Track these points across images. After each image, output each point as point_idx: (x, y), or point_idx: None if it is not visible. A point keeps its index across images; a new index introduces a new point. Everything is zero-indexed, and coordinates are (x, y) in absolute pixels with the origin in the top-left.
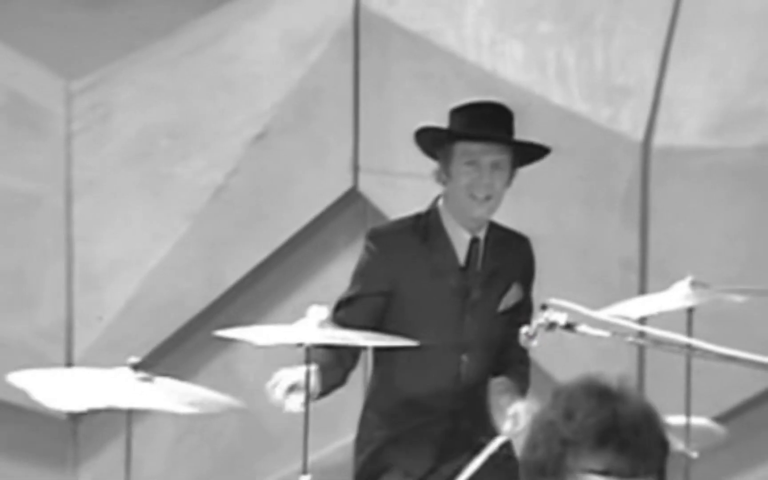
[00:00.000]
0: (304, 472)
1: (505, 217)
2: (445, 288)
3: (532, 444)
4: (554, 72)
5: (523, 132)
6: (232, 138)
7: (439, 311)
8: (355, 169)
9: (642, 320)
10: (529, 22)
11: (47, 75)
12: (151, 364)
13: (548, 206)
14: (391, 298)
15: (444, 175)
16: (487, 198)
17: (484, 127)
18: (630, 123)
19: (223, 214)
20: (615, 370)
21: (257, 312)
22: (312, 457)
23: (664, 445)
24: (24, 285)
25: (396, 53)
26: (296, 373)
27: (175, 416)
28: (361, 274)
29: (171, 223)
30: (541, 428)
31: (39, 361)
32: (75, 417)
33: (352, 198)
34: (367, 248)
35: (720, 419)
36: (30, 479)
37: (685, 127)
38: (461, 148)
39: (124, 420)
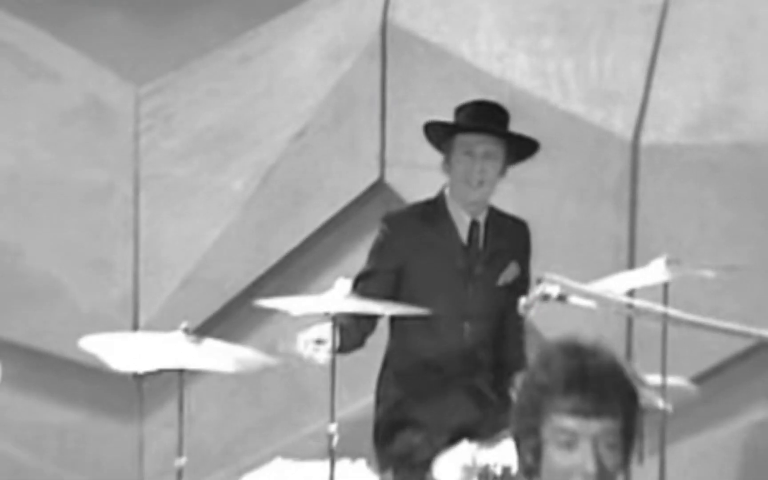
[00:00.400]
0: (332, 420)
1: (511, 204)
2: (450, 264)
3: (518, 392)
4: (555, 79)
5: (526, 131)
6: (276, 136)
7: (444, 285)
8: (382, 162)
9: (629, 293)
10: (533, 37)
11: (119, 81)
12: (205, 331)
13: (549, 196)
14: (402, 273)
15: (447, 165)
16: (480, 183)
17: (479, 121)
18: (621, 124)
19: (267, 202)
20: (605, 336)
21: (294, 287)
22: (340, 413)
23: (628, 392)
24: (97, 263)
25: (418, 62)
26: (322, 330)
27: (225, 377)
28: (375, 252)
29: (223, 209)
30: (524, 378)
31: (110, 329)
32: (139, 376)
33: (379, 188)
34: (381, 230)
35: (695, 380)
36: (102, 431)
37: (668, 127)
38: (460, 140)
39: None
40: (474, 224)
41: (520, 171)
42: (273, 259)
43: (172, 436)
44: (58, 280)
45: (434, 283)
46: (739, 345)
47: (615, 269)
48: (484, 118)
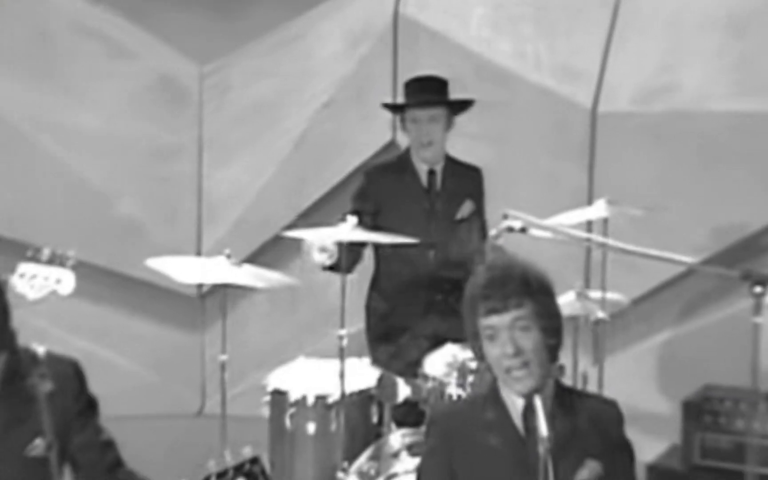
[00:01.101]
0: (342, 327)
1: (494, 159)
2: (415, 205)
3: (463, 302)
4: (531, 60)
5: (510, 101)
6: (308, 105)
7: (412, 221)
8: (394, 127)
9: (582, 227)
10: (514, 26)
11: (186, 61)
12: (252, 260)
13: (524, 152)
14: (378, 213)
15: (404, 131)
16: (429, 143)
17: (419, 96)
18: (582, 96)
19: (300, 158)
20: (569, 266)
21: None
22: (353, 325)
23: (534, 288)
24: (169, 207)
25: (423, 46)
26: (324, 241)
27: (267, 297)
28: (358, 198)
29: (266, 164)
30: (465, 291)
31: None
32: (202, 295)
33: (391, 147)
34: (362, 180)
35: (635, 301)
36: (170, 339)
37: (619, 99)
38: (408, 112)
39: (236, 295)
40: (431, 173)
41: (501, 132)
42: (305, 204)
43: (232, 345)
44: (137, 219)
45: (404, 221)
46: (668, 273)
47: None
48: (425, 92)
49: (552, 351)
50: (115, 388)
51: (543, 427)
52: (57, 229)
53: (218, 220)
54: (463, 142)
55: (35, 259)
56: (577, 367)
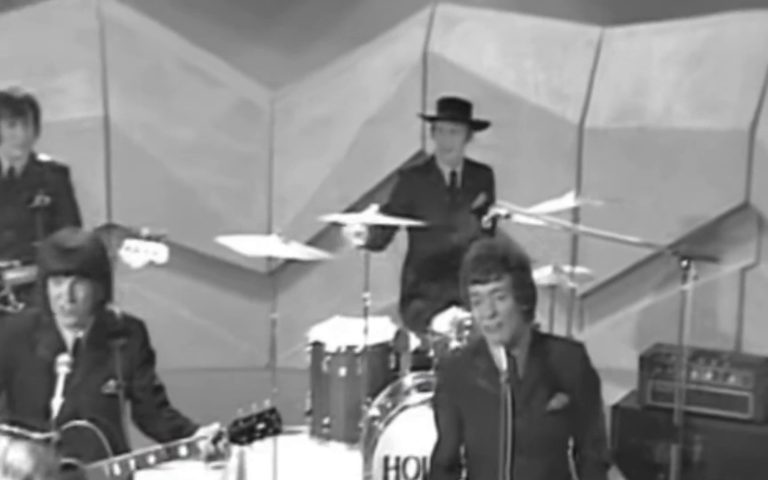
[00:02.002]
0: (366, 290)
1: (500, 164)
2: (440, 199)
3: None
4: (531, 86)
5: (514, 119)
6: (356, 122)
7: (438, 211)
8: (423, 137)
9: (560, 214)
10: (518, 61)
11: (261, 88)
12: (312, 243)
13: (525, 158)
14: (410, 205)
15: (433, 139)
16: (450, 150)
17: (444, 113)
18: (572, 114)
19: (349, 163)
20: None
21: None
22: (391, 297)
23: (513, 264)
24: (246, 201)
25: (445, 76)
26: (360, 226)
27: (319, 273)
28: (394, 194)
29: (323, 168)
30: (461, 270)
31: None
32: (271, 271)
33: (420, 155)
34: (398, 179)
35: (614, 278)
36: (244, 307)
37: (600, 117)
38: (437, 124)
39: (298, 271)
40: (453, 173)
41: (506, 143)
42: (353, 199)
43: (292, 311)
44: (220, 210)
45: (431, 210)
46: (640, 254)
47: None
48: (452, 110)
49: (526, 314)
50: (198, 345)
51: (503, 364)
52: (159, 217)
53: (284, 212)
54: (478, 150)
55: (137, 236)
56: (570, 331)
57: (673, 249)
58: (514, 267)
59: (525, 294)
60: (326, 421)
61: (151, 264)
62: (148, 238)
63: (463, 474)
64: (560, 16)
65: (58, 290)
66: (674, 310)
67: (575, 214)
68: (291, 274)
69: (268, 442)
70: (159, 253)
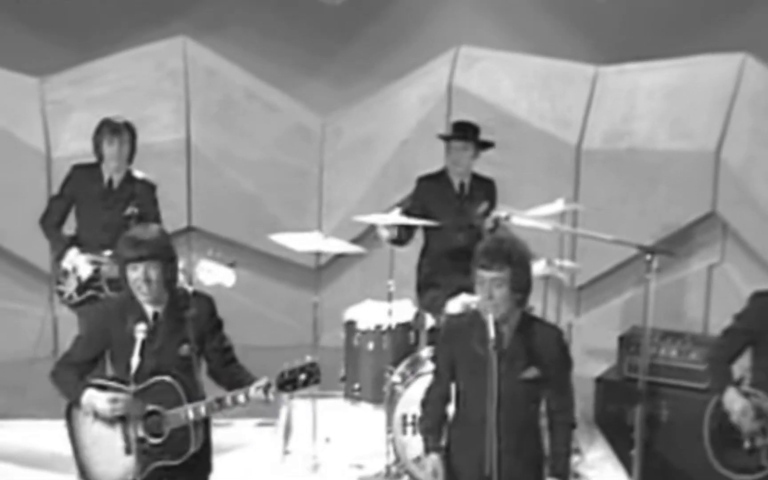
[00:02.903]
0: (390, 278)
1: (509, 177)
2: (450, 204)
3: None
4: (538, 114)
5: (523, 141)
6: (392, 143)
7: (448, 213)
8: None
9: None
10: (528, 93)
11: (313, 115)
12: (356, 242)
13: (529, 175)
14: (425, 208)
15: (447, 154)
16: (458, 164)
17: (458, 132)
18: (571, 137)
19: (386, 177)
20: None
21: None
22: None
23: (513, 259)
24: (300, 209)
25: (467, 105)
26: (388, 226)
27: (361, 267)
28: (412, 197)
29: (364, 181)
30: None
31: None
32: (319, 266)
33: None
34: (416, 186)
35: (606, 273)
36: (296, 296)
37: (595, 139)
38: (451, 142)
39: (341, 266)
40: (461, 184)
41: (516, 160)
42: (389, 205)
43: (336, 300)
44: (279, 216)
45: (443, 213)
46: (626, 254)
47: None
48: (462, 131)
49: (518, 301)
50: (257, 327)
51: (491, 332)
52: (230, 222)
53: (331, 217)
54: (491, 167)
55: (212, 257)
56: (559, 317)
57: (638, 246)
58: (515, 262)
59: (520, 285)
60: (357, 386)
61: (219, 286)
62: (220, 261)
63: (451, 408)
64: (562, 57)
65: (135, 274)
66: (652, 300)
67: (575, 218)
68: (336, 269)
69: (309, 402)
70: (228, 278)
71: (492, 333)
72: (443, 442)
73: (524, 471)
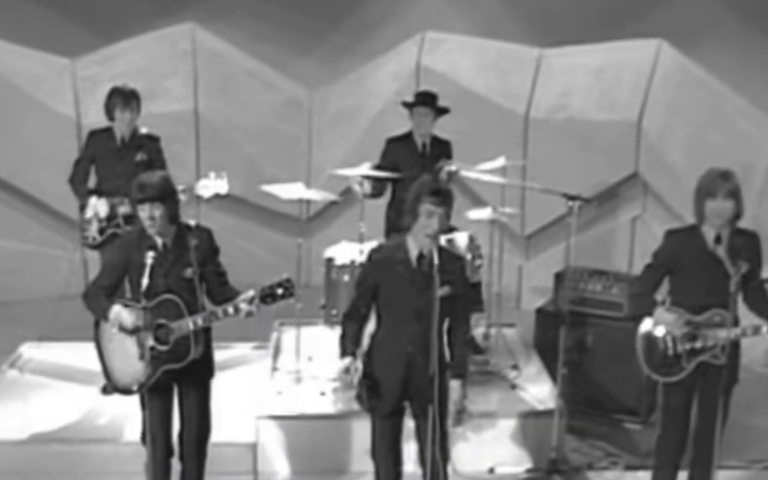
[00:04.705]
0: (361, 220)
1: (464, 142)
2: (413, 159)
3: (408, 196)
4: (492, 88)
5: (478, 111)
6: (370, 112)
7: (413, 166)
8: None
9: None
10: (484, 71)
11: (302, 88)
12: (342, 195)
13: (485, 140)
14: (394, 164)
15: (411, 118)
16: (420, 127)
17: (420, 99)
18: (520, 108)
19: (365, 141)
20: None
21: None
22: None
23: (449, 202)
24: (292, 170)
25: (432, 81)
26: (362, 179)
27: (343, 216)
28: (383, 155)
29: (346, 146)
30: (413, 190)
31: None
32: (308, 218)
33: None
34: (385, 145)
35: (547, 225)
36: (288, 243)
37: (540, 110)
38: (414, 109)
39: (329, 216)
40: (423, 143)
41: (471, 128)
42: (367, 166)
43: (324, 245)
44: (275, 177)
45: (408, 166)
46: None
47: (513, 173)
48: (421, 97)
49: (444, 232)
50: (253, 268)
51: (414, 261)
52: (232, 180)
53: (319, 176)
54: (454, 135)
55: (206, 176)
56: (501, 258)
57: (562, 193)
58: (449, 203)
59: (449, 220)
60: (334, 312)
61: (216, 196)
62: (215, 178)
63: (370, 326)
64: (513, 41)
65: (143, 213)
66: (587, 246)
67: (523, 173)
68: (323, 220)
69: (294, 328)
70: (221, 187)
71: (415, 259)
72: (360, 351)
73: (432, 373)
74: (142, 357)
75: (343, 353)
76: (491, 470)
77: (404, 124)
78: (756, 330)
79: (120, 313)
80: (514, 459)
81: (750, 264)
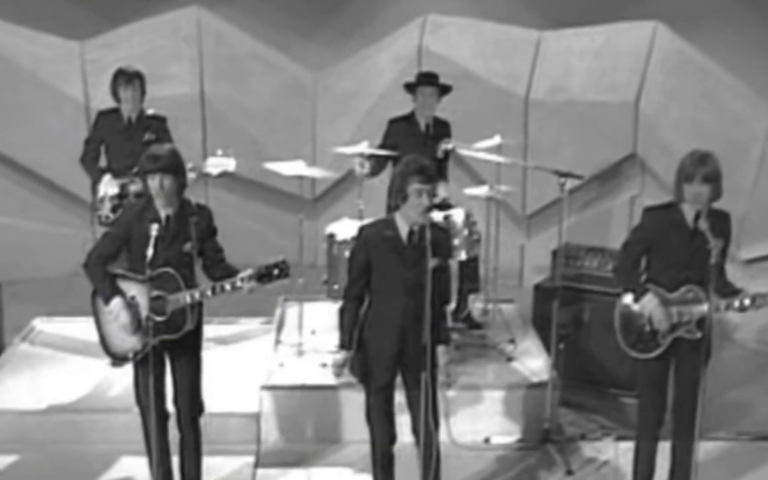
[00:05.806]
0: (359, 197)
1: (466, 122)
2: (417, 139)
3: (395, 175)
4: (493, 71)
5: (480, 93)
6: (373, 94)
7: (415, 148)
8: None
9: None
10: (483, 53)
11: (306, 70)
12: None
13: (485, 121)
14: (396, 144)
15: (414, 99)
16: (424, 107)
17: (423, 79)
18: (520, 90)
19: (368, 122)
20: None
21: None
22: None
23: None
24: (297, 150)
25: (433, 63)
26: (362, 158)
27: (348, 197)
28: (385, 135)
29: (350, 126)
30: (399, 172)
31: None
32: (315, 198)
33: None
34: (388, 125)
35: (547, 205)
36: (290, 221)
37: (539, 92)
38: (417, 89)
39: (335, 195)
40: (426, 124)
41: (472, 109)
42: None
43: (329, 224)
44: (279, 156)
45: (410, 147)
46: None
47: (514, 153)
48: (425, 77)
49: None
50: (259, 245)
51: (405, 238)
52: (238, 160)
53: (324, 156)
54: (457, 113)
55: (214, 155)
56: (496, 236)
57: (553, 170)
58: (436, 178)
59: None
60: (336, 286)
61: (224, 173)
62: (223, 156)
63: (365, 304)
64: (512, 23)
65: (153, 183)
66: (587, 225)
67: (525, 153)
68: (328, 200)
69: (297, 304)
70: (230, 165)
71: (406, 236)
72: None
73: (425, 342)
74: (136, 330)
75: (342, 346)
76: (487, 440)
77: (405, 107)
78: (728, 306)
79: (120, 313)
80: (509, 430)
81: (723, 243)
